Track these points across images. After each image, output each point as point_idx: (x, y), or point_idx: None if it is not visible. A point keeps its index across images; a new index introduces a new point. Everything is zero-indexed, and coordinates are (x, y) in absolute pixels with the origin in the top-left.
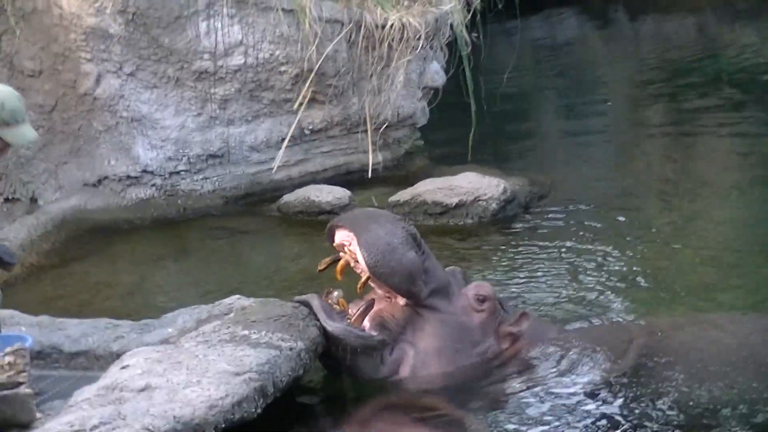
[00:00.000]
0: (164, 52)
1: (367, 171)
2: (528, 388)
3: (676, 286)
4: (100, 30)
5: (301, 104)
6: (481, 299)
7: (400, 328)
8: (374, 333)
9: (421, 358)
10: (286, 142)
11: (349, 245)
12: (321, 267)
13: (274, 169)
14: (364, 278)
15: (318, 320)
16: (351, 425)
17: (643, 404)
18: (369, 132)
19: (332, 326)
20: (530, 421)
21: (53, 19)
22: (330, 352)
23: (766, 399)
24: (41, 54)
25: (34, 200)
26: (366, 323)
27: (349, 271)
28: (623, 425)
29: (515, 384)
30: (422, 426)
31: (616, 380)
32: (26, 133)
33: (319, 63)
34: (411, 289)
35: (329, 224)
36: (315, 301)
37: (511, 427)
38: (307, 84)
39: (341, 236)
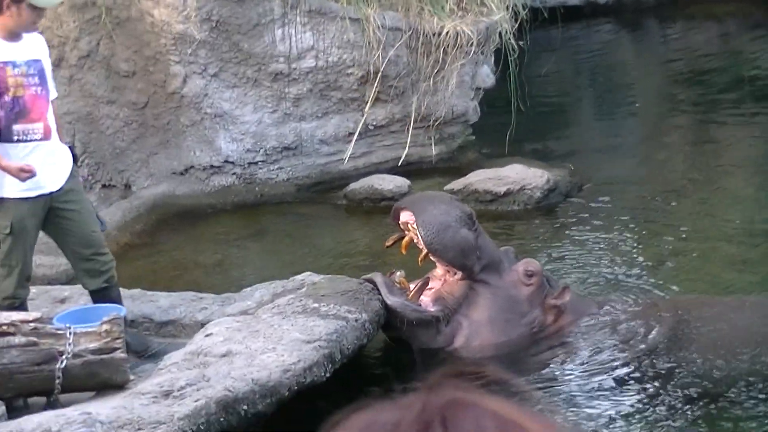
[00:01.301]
0: (244, 56)
1: (425, 162)
2: (570, 358)
3: (703, 268)
4: (187, 36)
5: (367, 103)
6: (530, 274)
7: (456, 303)
8: (429, 308)
9: (474, 328)
10: (355, 137)
11: (411, 224)
12: (388, 243)
13: (345, 160)
14: (423, 253)
15: (380, 295)
16: (424, 387)
17: (669, 375)
18: (432, 127)
19: (392, 300)
20: (570, 389)
21: (145, 26)
22: (391, 323)
23: None
24: (135, 57)
25: (128, 187)
26: (424, 298)
27: (412, 250)
28: (648, 394)
29: (559, 354)
30: (484, 391)
31: (646, 352)
32: None
33: (382, 66)
34: (464, 263)
35: (394, 206)
36: (378, 278)
37: (555, 394)
38: (374, 86)
39: (404, 216)
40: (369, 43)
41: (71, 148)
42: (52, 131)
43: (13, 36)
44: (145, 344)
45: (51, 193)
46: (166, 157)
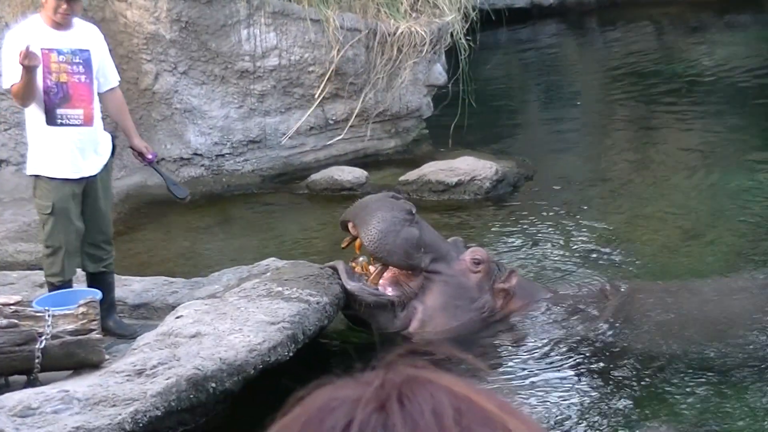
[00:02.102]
0: (212, 55)
1: (381, 155)
2: (519, 340)
3: (643, 253)
4: (158, 36)
5: (321, 97)
6: (477, 262)
7: (411, 290)
8: (387, 292)
9: (428, 313)
10: (296, 127)
11: (357, 233)
12: (343, 245)
13: (288, 136)
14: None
15: (340, 280)
16: (381, 365)
17: (614, 356)
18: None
19: (351, 285)
20: (518, 369)
21: (119, 26)
22: (351, 306)
23: (716, 355)
24: None
25: None
26: (383, 283)
27: None
28: (596, 373)
29: (508, 336)
30: (438, 369)
31: (593, 335)
32: None
33: (340, 64)
34: (410, 263)
35: (341, 218)
36: (340, 264)
37: (504, 374)
38: (324, 81)
39: (350, 227)
40: (329, 42)
41: (113, 138)
42: (94, 118)
43: (60, 25)
44: (133, 329)
45: (89, 177)
46: None
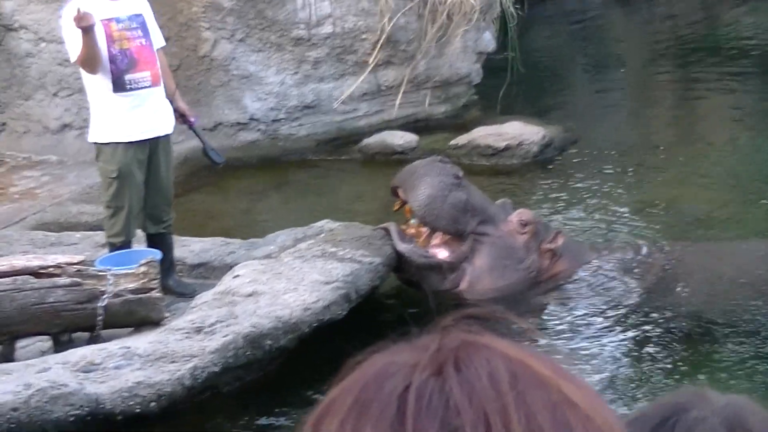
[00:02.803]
0: (268, 23)
1: (432, 120)
2: (565, 300)
3: (687, 215)
4: (216, 4)
5: (374, 64)
6: (524, 223)
7: (462, 251)
8: (437, 254)
9: (477, 273)
10: (348, 93)
11: (406, 199)
12: (394, 209)
13: (340, 109)
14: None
15: (392, 242)
16: (437, 329)
17: (660, 318)
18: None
19: (402, 247)
20: (566, 331)
21: None
22: (402, 267)
23: (761, 317)
24: (169, 24)
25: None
26: (434, 244)
27: None
28: (642, 335)
29: (555, 296)
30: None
31: (639, 296)
32: None
33: (393, 32)
34: (457, 228)
35: (391, 184)
36: (392, 226)
37: (551, 334)
38: (377, 48)
39: (399, 192)
40: (381, 11)
41: (171, 102)
42: (160, 78)
43: None
44: (192, 288)
45: (159, 137)
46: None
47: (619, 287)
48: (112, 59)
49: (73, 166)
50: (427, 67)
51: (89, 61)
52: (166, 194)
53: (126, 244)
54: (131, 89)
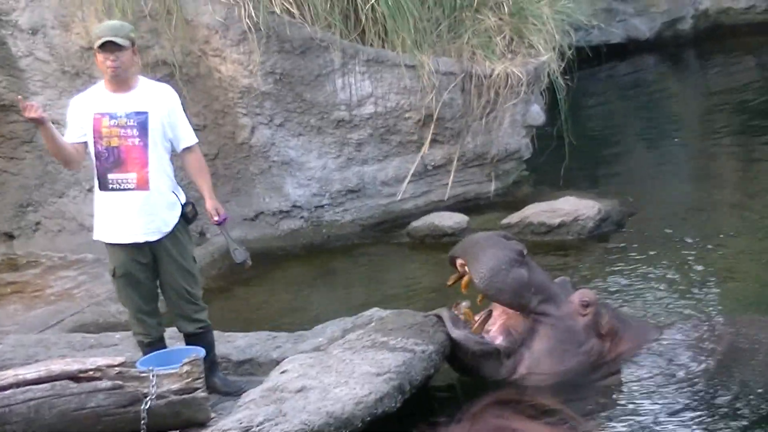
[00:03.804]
0: (307, 105)
1: (482, 198)
2: (629, 383)
3: (757, 287)
4: (253, 89)
5: (424, 145)
6: (585, 304)
7: (519, 336)
8: (495, 340)
9: (535, 358)
10: (409, 177)
11: (466, 269)
12: (449, 282)
13: (398, 196)
14: (480, 296)
15: (445, 328)
16: (467, 417)
17: (730, 396)
18: (490, 163)
19: (456, 333)
20: (629, 414)
21: (214, 81)
22: (456, 355)
23: None
24: (205, 111)
25: (202, 234)
26: (490, 329)
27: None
28: (712, 415)
29: (618, 380)
30: (534, 421)
31: (706, 374)
32: (102, 35)
33: (438, 109)
34: (520, 302)
35: (450, 253)
36: (444, 312)
37: (616, 423)
38: (424, 127)
39: (459, 262)
40: (424, 87)
41: (186, 205)
42: (149, 182)
43: (120, 87)
44: (238, 386)
45: (147, 243)
46: (237, 205)
47: (685, 366)
48: (98, 156)
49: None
50: (475, 144)
51: (55, 156)
52: (184, 294)
53: (156, 342)
54: (113, 189)
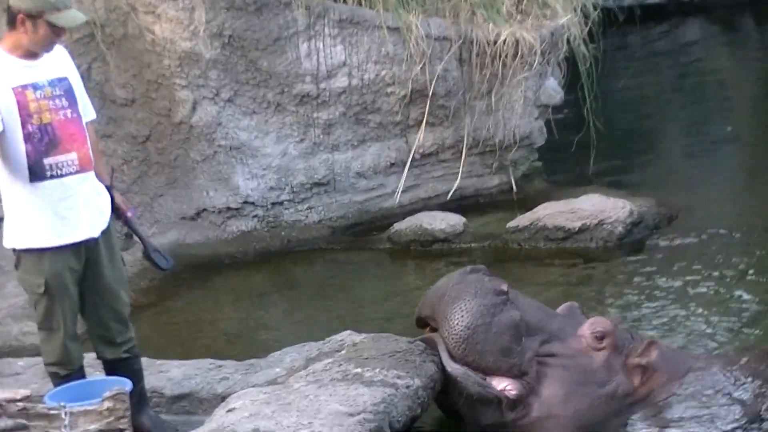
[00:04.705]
0: (263, 76)
1: (483, 195)
2: (666, 425)
3: None
4: (194, 55)
5: (413, 127)
6: (600, 336)
7: (529, 385)
8: (499, 384)
9: (546, 408)
10: (407, 168)
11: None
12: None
13: (397, 198)
14: None
15: (438, 358)
16: None
17: None
18: (493, 153)
19: (453, 368)
20: None
21: (145, 44)
22: (448, 393)
23: None
24: (133, 82)
25: (128, 236)
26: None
27: None
28: None
29: (653, 422)
30: None
31: (758, 410)
32: (76, 16)
33: (432, 84)
34: (510, 363)
35: (416, 314)
36: (439, 339)
37: None
38: (425, 108)
39: (431, 323)
40: (411, 56)
41: (108, 189)
42: (91, 160)
43: (31, 54)
44: (173, 428)
45: (91, 239)
46: (173, 200)
47: (731, 402)
48: (28, 138)
49: (13, 273)
50: (474, 127)
51: None
52: (117, 307)
53: (74, 373)
54: (52, 177)
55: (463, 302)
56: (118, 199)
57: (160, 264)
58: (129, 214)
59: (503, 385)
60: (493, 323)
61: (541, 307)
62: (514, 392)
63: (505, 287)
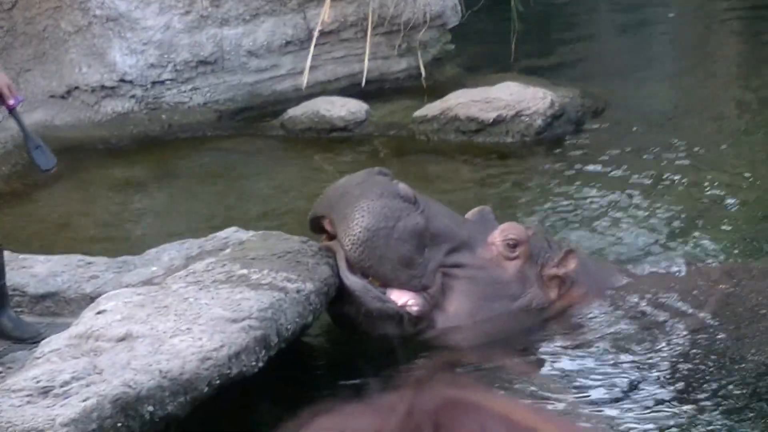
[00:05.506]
0: None
1: (388, 80)
2: (582, 344)
3: (751, 222)
4: None
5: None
6: (512, 244)
7: (432, 298)
8: (399, 299)
9: (452, 323)
10: (312, 47)
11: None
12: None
13: (304, 82)
14: None
15: (334, 264)
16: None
17: (714, 367)
18: (400, 32)
19: (351, 280)
20: (588, 379)
21: None
22: (343, 301)
23: None
24: None
25: None
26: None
27: None
28: (691, 389)
29: (567, 338)
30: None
31: (686, 336)
32: None
33: None
34: (409, 274)
35: (310, 214)
36: (338, 248)
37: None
38: None
39: (326, 224)
40: None
41: None
42: None
43: None
44: (36, 330)
45: None
46: (41, 75)
47: (656, 324)
48: None
49: None
50: (381, 3)
51: None
52: None
53: None
54: None
55: (366, 202)
56: (3, 83)
57: (39, 163)
58: (11, 102)
59: (404, 299)
60: (396, 228)
61: (449, 213)
62: (416, 308)
63: (411, 193)
